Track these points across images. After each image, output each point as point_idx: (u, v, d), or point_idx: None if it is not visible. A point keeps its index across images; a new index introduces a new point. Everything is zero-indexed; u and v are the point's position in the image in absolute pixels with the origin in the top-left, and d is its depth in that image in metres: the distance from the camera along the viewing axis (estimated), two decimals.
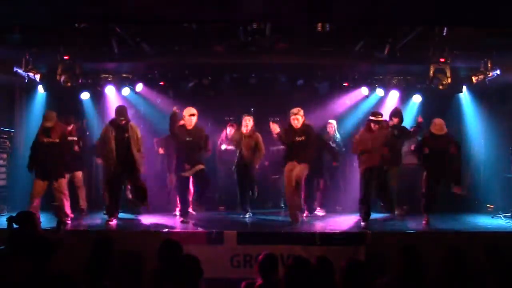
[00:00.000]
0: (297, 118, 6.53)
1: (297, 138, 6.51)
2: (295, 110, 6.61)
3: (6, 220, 4.49)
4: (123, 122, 6.46)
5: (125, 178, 6.64)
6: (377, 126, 6.45)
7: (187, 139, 6.55)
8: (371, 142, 6.42)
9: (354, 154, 6.81)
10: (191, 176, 6.76)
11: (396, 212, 7.05)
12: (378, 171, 6.44)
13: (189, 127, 6.61)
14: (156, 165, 8.25)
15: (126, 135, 6.44)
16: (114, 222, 6.44)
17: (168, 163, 7.83)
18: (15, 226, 4.47)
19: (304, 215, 7.19)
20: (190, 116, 6.60)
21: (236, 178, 7.27)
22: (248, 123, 7.10)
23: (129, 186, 7.00)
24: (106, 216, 6.61)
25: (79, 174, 7.50)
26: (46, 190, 6.48)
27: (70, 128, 7.21)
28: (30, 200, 6.33)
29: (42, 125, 6.45)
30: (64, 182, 6.56)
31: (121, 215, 6.86)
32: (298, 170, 6.42)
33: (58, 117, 6.56)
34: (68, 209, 6.51)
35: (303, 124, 6.58)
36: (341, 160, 7.92)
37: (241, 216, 7.17)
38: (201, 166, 6.63)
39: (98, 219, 6.70)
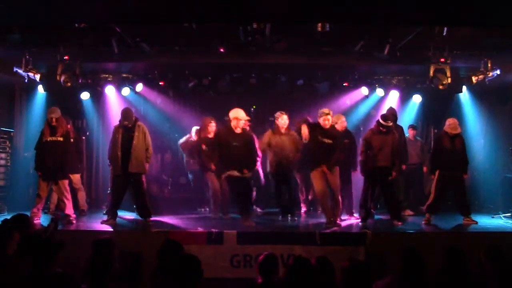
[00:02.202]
0: (328, 119, 6.21)
1: (326, 140, 6.21)
2: (326, 110, 6.26)
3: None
4: (129, 125, 6.46)
5: (129, 182, 6.55)
6: (385, 130, 6.36)
7: (234, 144, 6.27)
8: (380, 143, 6.33)
9: (360, 154, 6.58)
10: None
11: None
12: (386, 172, 6.35)
13: (237, 131, 6.33)
14: (156, 166, 8.25)
15: (132, 135, 6.43)
16: (109, 222, 6.38)
17: (188, 164, 7.70)
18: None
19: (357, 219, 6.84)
20: (235, 120, 6.31)
21: (275, 182, 6.93)
22: (283, 121, 6.73)
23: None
24: (105, 216, 6.63)
25: (76, 177, 7.46)
26: (49, 191, 6.54)
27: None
28: (35, 200, 6.40)
29: (47, 120, 6.49)
30: (66, 182, 6.58)
31: (121, 214, 6.85)
32: (334, 184, 6.19)
33: None
34: (70, 210, 6.53)
35: (332, 126, 6.31)
36: None
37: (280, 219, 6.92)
38: (247, 174, 6.39)
39: (98, 219, 6.68)
